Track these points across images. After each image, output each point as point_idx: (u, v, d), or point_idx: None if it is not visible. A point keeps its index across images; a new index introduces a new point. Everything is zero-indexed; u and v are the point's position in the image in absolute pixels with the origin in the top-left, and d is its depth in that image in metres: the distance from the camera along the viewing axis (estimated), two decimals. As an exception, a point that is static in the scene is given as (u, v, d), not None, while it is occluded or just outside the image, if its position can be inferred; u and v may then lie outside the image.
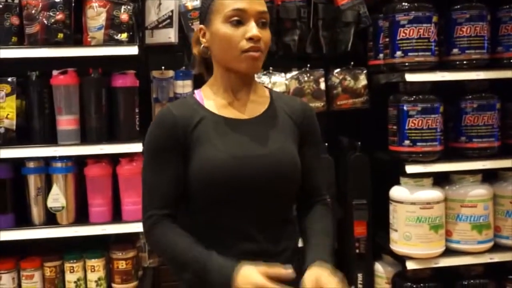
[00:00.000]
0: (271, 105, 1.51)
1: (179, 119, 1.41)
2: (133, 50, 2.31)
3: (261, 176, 1.39)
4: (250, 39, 1.37)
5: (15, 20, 2.37)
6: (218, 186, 1.36)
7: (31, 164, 2.41)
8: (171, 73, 2.65)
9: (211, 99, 1.48)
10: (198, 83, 2.57)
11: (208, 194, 1.39)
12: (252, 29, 1.38)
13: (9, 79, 2.37)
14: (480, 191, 2.56)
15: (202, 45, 1.47)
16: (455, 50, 2.53)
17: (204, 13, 1.46)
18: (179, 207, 1.44)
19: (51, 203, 2.39)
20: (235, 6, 1.38)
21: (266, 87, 1.60)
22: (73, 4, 2.36)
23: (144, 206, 1.44)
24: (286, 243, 1.47)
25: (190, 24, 2.61)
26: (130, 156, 2.42)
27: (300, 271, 1.54)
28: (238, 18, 1.39)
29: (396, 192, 2.58)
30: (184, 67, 2.65)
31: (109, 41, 2.35)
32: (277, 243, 1.44)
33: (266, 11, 1.43)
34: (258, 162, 1.39)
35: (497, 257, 2.58)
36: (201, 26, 1.48)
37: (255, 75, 2.50)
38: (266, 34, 1.42)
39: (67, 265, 2.45)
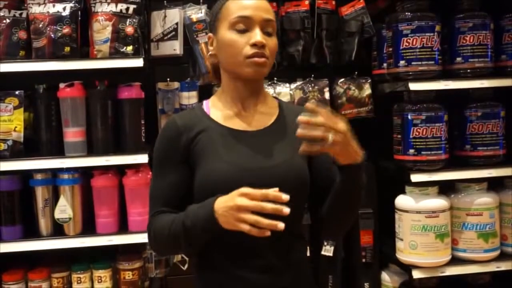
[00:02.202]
0: (279, 116, 1.51)
1: (182, 129, 1.44)
2: (138, 62, 2.34)
3: (267, 189, 1.36)
4: (254, 45, 1.39)
5: (22, 35, 2.41)
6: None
7: (39, 176, 2.43)
8: (176, 84, 2.67)
9: (218, 109, 1.49)
10: (204, 94, 2.61)
11: None
12: (256, 35, 1.40)
13: (17, 92, 2.40)
14: (485, 199, 2.56)
15: (209, 53, 1.49)
16: (459, 59, 2.54)
17: (213, 22, 1.49)
18: None
19: (58, 214, 2.41)
20: (240, 13, 1.41)
21: (276, 98, 1.61)
22: (79, 18, 2.39)
23: (149, 212, 1.47)
24: (295, 258, 1.45)
25: (195, 36, 2.64)
26: (136, 167, 2.44)
27: (311, 282, 1.54)
28: (243, 25, 1.41)
29: (401, 201, 2.58)
30: (189, 79, 2.67)
31: (115, 53, 2.37)
32: (284, 257, 1.42)
33: (272, 19, 1.44)
34: (263, 175, 1.38)
35: (504, 266, 2.57)
36: (210, 34, 1.50)
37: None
38: (271, 42, 1.43)
39: (74, 276, 2.47)
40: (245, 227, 1.24)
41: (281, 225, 1.23)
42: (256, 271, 1.39)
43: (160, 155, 1.47)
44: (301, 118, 1.24)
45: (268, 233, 1.24)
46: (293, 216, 1.30)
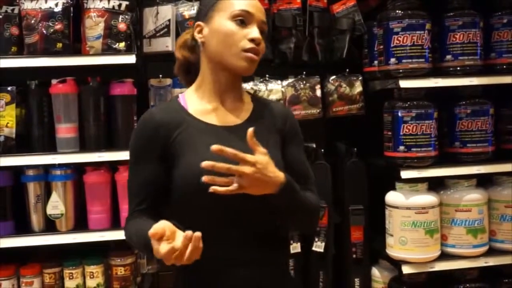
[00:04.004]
0: (254, 111, 1.53)
1: (160, 124, 1.44)
2: (131, 59, 2.34)
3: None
4: (252, 40, 1.41)
5: (14, 30, 2.41)
6: (200, 193, 1.34)
7: (31, 172, 2.43)
8: (168, 81, 2.67)
9: (195, 104, 1.49)
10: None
11: (192, 201, 1.39)
12: (255, 31, 1.43)
13: (9, 88, 2.40)
14: (474, 196, 2.59)
15: (200, 40, 1.48)
16: (449, 57, 2.56)
17: (205, 11, 1.49)
18: (165, 213, 1.42)
19: (50, 210, 2.42)
20: (244, 7, 1.43)
21: (249, 92, 1.62)
22: (71, 14, 2.39)
23: (128, 208, 1.48)
24: (274, 251, 1.47)
25: (187, 33, 2.64)
26: (128, 163, 2.44)
27: (291, 277, 1.55)
28: (244, 19, 1.43)
29: (391, 197, 2.60)
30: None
31: (107, 50, 2.38)
32: (264, 251, 1.43)
33: (266, 22, 1.48)
34: None
35: (492, 261, 2.60)
36: (199, 22, 1.49)
37: (254, 85, 2.54)
38: (262, 44, 1.46)
39: (66, 272, 2.47)
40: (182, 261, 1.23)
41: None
42: (235, 266, 1.40)
43: (137, 150, 1.47)
44: (205, 163, 1.26)
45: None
46: (269, 211, 1.32)
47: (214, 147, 1.27)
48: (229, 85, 1.49)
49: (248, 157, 1.29)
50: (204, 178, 1.26)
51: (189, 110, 1.48)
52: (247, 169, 1.28)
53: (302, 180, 1.49)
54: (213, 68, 1.48)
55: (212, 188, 1.26)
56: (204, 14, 1.49)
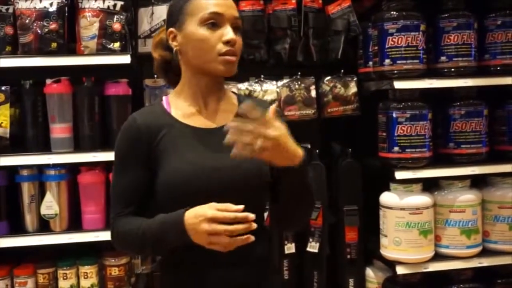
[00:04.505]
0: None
1: (143, 128, 1.42)
2: (125, 59, 2.34)
3: (229, 187, 1.38)
4: (227, 42, 1.39)
5: (9, 30, 2.41)
6: (185, 197, 1.35)
7: (25, 172, 2.43)
8: (163, 81, 2.67)
9: (178, 106, 1.48)
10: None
11: (176, 205, 1.36)
12: (229, 32, 1.40)
13: (3, 88, 2.39)
14: (468, 197, 2.60)
15: (175, 49, 1.46)
16: (443, 58, 2.57)
17: (175, 16, 1.46)
18: (149, 216, 1.42)
19: (44, 210, 2.41)
20: (212, 9, 1.40)
21: (234, 92, 1.61)
22: (66, 14, 2.39)
23: (111, 211, 1.47)
24: (257, 249, 1.45)
25: (182, 33, 2.64)
26: (123, 163, 2.44)
27: (274, 277, 1.56)
28: (215, 21, 1.40)
29: (385, 197, 2.61)
30: (176, 76, 2.68)
31: (102, 50, 2.38)
32: (245, 252, 1.40)
33: (239, 17, 1.45)
34: (225, 173, 1.39)
35: (486, 262, 2.61)
36: (171, 29, 1.47)
37: (249, 85, 2.53)
38: (239, 40, 1.44)
39: (60, 272, 2.47)
40: (219, 248, 1.28)
41: (251, 238, 1.29)
42: (219, 265, 1.40)
43: (121, 155, 1.46)
44: (231, 123, 1.23)
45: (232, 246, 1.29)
46: (255, 210, 1.32)
47: (243, 106, 1.22)
48: (211, 87, 1.48)
49: (274, 121, 1.25)
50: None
51: (172, 113, 1.47)
52: (271, 131, 1.23)
53: None
54: (193, 73, 1.46)
55: (233, 154, 1.22)
56: (175, 20, 1.46)
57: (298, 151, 1.32)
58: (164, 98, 1.53)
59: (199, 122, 1.46)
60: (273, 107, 1.28)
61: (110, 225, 1.48)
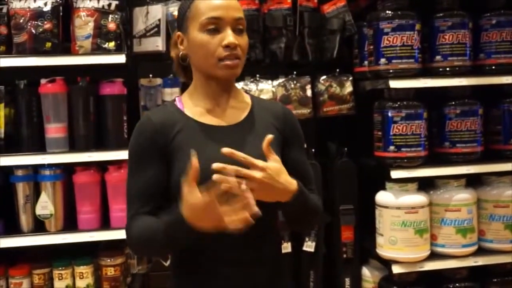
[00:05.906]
0: (252, 111, 1.52)
1: (158, 127, 1.43)
2: (120, 58, 2.34)
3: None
4: (227, 46, 1.39)
5: (3, 30, 2.40)
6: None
7: (20, 172, 2.42)
8: (159, 80, 2.67)
9: (191, 105, 1.49)
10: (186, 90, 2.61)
11: None
12: (228, 36, 1.39)
13: (-2, 88, 2.38)
14: (464, 196, 2.60)
15: (181, 52, 1.48)
16: (438, 57, 2.57)
17: (181, 20, 1.47)
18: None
19: (39, 210, 2.41)
20: (210, 14, 1.40)
21: (247, 92, 1.62)
22: (61, 14, 2.38)
23: (127, 212, 1.46)
24: (268, 250, 1.47)
25: (177, 33, 2.64)
26: (118, 163, 2.44)
27: (286, 277, 1.56)
28: (214, 26, 1.40)
29: (381, 197, 2.61)
30: (172, 75, 2.67)
31: (97, 49, 2.37)
32: (258, 252, 1.43)
33: (242, 17, 1.44)
34: None
35: (481, 261, 2.62)
36: (179, 33, 1.49)
37: (244, 85, 2.53)
38: (243, 41, 1.43)
39: (55, 272, 2.46)
40: (231, 225, 1.25)
41: (243, 187, 1.26)
42: (230, 266, 1.40)
43: (136, 154, 1.45)
44: (216, 164, 1.25)
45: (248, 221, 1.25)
46: (265, 211, 1.32)
47: (225, 150, 1.28)
48: (222, 88, 1.48)
49: (259, 162, 1.29)
50: (215, 166, 1.25)
51: (186, 112, 1.48)
52: (256, 173, 1.28)
53: (305, 181, 1.50)
54: (202, 75, 1.48)
55: (218, 177, 1.23)
56: (181, 24, 1.48)
57: (290, 187, 1.34)
58: (177, 98, 1.54)
59: (212, 120, 1.47)
60: (268, 138, 1.31)
61: (126, 229, 1.45)
